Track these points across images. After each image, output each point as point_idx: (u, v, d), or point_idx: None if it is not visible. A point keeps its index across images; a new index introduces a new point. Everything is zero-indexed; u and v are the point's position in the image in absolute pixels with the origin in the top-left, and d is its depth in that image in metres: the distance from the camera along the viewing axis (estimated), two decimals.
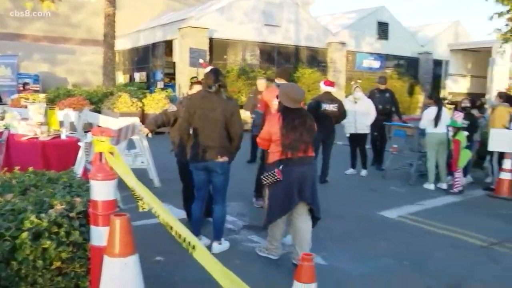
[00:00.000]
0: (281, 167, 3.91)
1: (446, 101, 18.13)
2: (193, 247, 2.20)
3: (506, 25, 9.63)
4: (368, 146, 8.70)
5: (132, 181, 2.61)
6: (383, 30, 24.28)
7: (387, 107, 9.09)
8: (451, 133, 7.26)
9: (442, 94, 21.29)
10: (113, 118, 8.35)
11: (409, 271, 4.15)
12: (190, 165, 4.42)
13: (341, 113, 7.54)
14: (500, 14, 9.25)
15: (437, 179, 7.54)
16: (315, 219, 4.19)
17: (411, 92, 24.17)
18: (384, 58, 24.63)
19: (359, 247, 4.72)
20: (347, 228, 5.36)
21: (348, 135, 8.49)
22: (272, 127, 4.03)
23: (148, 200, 2.54)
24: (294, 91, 4.10)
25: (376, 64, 24.28)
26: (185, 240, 2.24)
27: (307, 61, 21.51)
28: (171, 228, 2.34)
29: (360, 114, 8.21)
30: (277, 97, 4.22)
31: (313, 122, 4.13)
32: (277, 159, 3.98)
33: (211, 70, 4.41)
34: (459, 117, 7.17)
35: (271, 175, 3.93)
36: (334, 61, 21.96)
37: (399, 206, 6.34)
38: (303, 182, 3.98)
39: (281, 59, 20.74)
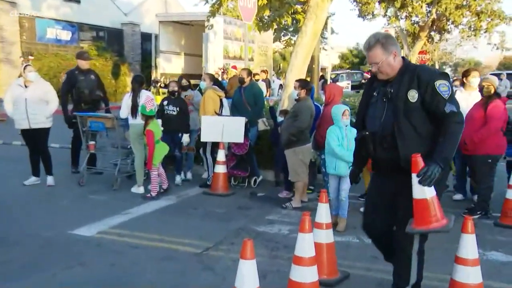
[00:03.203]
0: None
1: (159, 84, 19.40)
2: None
3: None
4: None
5: None
6: None
7: (97, 93, 9.15)
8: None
9: (155, 75, 22.60)
10: None
11: None
12: None
13: None
14: None
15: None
16: None
17: (116, 73, 24.94)
18: (76, 27, 24.60)
19: (44, 281, 4.66)
20: (28, 257, 5.25)
21: (19, 132, 8.21)
22: None
23: None
24: None
25: (67, 35, 24.10)
26: None
27: None
28: None
29: (34, 103, 7.95)
30: None
31: None
32: None
33: None
34: (149, 103, 7.64)
35: None
36: (1, 28, 20.90)
37: (100, 219, 6.50)
38: None
39: None
